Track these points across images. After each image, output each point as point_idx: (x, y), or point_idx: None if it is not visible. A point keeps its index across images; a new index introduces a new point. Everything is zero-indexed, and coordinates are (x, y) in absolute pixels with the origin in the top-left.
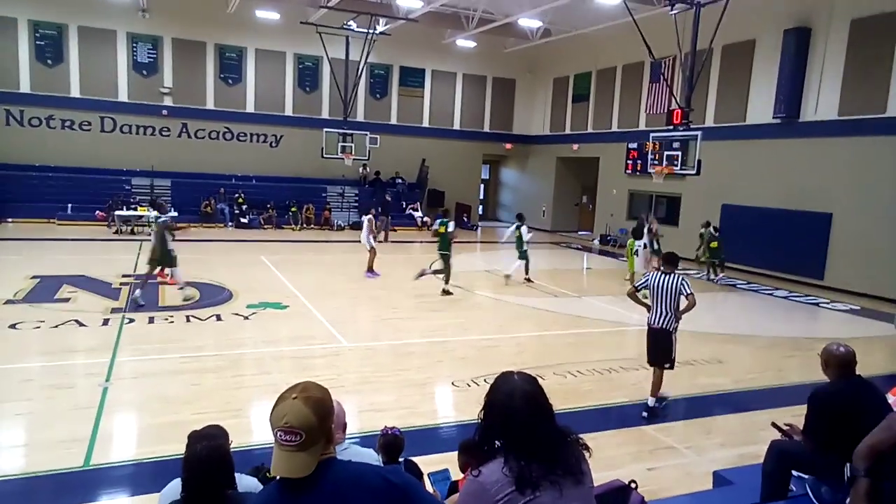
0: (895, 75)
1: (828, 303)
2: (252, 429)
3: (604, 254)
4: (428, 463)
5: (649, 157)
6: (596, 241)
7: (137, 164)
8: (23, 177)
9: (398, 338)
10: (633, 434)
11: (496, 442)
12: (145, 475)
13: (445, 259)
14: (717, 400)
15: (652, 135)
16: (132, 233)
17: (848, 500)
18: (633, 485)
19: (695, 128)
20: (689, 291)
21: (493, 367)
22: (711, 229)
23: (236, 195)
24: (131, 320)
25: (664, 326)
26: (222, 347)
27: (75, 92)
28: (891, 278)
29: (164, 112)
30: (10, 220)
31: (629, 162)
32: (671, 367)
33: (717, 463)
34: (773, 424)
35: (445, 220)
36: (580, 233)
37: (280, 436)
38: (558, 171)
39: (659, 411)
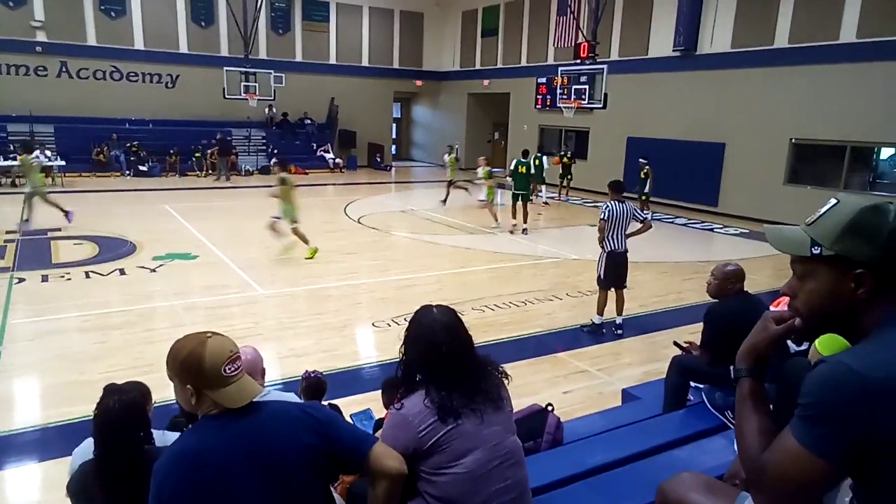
0: (782, 8)
1: (721, 228)
2: (168, 383)
3: None
4: (352, 404)
5: (558, 91)
6: (509, 178)
7: (12, 109)
8: None
9: (315, 282)
10: (550, 361)
11: (418, 375)
12: (53, 439)
13: (521, 199)
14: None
15: (560, 69)
16: (13, 185)
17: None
18: (549, 408)
19: (601, 61)
20: (643, 216)
21: (412, 305)
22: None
23: (132, 141)
24: (21, 279)
25: (624, 249)
26: (129, 302)
27: None
28: (774, 202)
29: (39, 49)
30: None
31: (539, 97)
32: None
33: (626, 381)
34: (675, 343)
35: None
36: (494, 169)
37: (229, 370)
38: (470, 108)
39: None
